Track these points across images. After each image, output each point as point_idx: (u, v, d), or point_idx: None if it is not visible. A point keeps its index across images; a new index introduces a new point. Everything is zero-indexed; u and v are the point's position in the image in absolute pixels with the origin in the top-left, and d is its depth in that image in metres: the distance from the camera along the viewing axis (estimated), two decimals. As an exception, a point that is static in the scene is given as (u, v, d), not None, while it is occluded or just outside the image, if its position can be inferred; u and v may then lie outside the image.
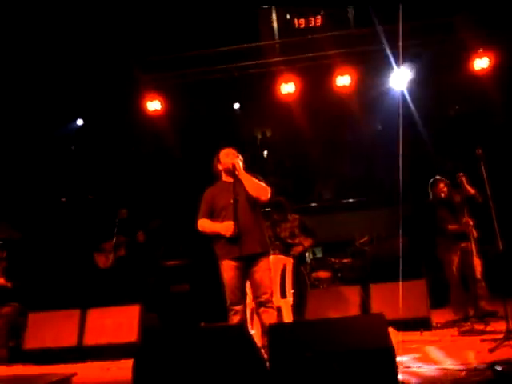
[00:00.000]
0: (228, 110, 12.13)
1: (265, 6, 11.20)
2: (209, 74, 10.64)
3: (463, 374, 4.27)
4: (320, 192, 12.97)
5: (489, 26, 9.65)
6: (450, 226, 7.70)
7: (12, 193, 10.62)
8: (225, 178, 5.80)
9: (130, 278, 9.46)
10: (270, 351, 4.20)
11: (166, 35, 10.49)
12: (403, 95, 12.22)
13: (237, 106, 11.78)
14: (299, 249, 8.26)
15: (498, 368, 4.04)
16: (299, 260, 8.31)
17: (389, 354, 4.05)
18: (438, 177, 8.00)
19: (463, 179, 7.53)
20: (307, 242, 8.35)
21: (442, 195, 7.81)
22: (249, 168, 5.85)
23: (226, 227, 5.46)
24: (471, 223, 7.50)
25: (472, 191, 7.44)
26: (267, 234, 5.89)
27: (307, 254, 8.99)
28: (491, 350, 5.16)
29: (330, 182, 12.96)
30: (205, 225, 5.66)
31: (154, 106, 10.75)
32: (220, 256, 5.61)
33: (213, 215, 5.67)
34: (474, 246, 7.50)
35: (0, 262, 8.17)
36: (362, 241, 9.43)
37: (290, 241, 8.25)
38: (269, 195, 5.65)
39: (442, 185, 7.84)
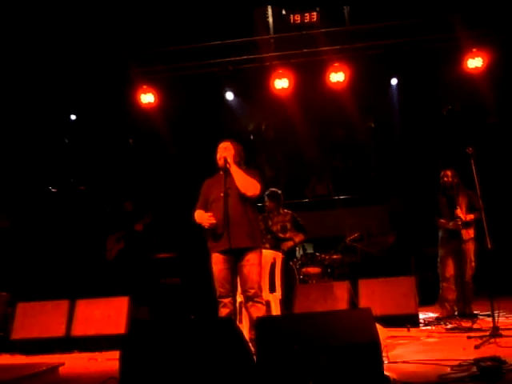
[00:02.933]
0: (221, 104, 12.09)
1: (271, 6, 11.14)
2: (203, 68, 10.63)
3: (449, 369, 4.29)
4: (312, 188, 12.94)
5: (483, 25, 9.68)
6: (440, 221, 7.73)
7: (2, 182, 10.60)
8: (221, 170, 5.83)
9: (122, 271, 9.45)
10: (257, 343, 4.22)
11: (160, 28, 10.45)
12: (396, 94, 12.27)
13: (230, 96, 11.68)
14: (289, 244, 8.31)
15: (483, 364, 4.06)
16: (289, 255, 8.34)
17: (375, 349, 4.07)
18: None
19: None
20: (298, 238, 8.40)
21: (445, 179, 7.75)
22: (246, 162, 5.89)
23: (204, 218, 5.52)
24: (459, 223, 7.51)
25: (471, 216, 7.50)
26: (259, 229, 5.90)
27: (297, 250, 9.02)
28: (477, 347, 5.20)
29: (323, 178, 12.94)
30: (197, 217, 5.70)
31: (147, 98, 10.72)
32: (210, 249, 5.65)
33: (207, 207, 5.71)
34: (466, 247, 7.53)
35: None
36: (352, 237, 9.43)
37: (281, 235, 8.29)
38: (258, 192, 5.67)
39: (448, 172, 7.77)
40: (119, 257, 9.63)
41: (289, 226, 8.39)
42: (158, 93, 10.71)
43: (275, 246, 7.99)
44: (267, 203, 8.33)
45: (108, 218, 10.15)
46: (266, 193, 8.30)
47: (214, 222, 5.46)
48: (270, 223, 8.37)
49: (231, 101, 11.86)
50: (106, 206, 10.73)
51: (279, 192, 8.52)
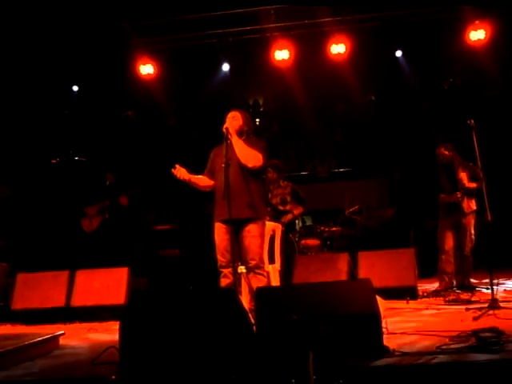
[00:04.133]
0: (221, 76, 12.02)
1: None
2: (203, 39, 10.55)
3: (447, 340, 4.31)
4: (313, 167, 12.88)
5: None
6: (441, 196, 7.72)
7: (3, 150, 10.60)
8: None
9: (120, 242, 9.45)
10: (257, 313, 4.23)
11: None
12: (397, 67, 12.19)
13: (226, 67, 11.63)
14: (289, 216, 8.33)
15: (482, 335, 4.08)
16: (288, 227, 8.36)
17: (374, 320, 4.09)
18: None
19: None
20: (297, 210, 8.41)
21: (441, 157, 7.72)
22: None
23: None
24: (459, 195, 7.48)
25: (473, 185, 7.43)
26: (262, 200, 5.88)
27: (297, 222, 9.02)
28: (476, 318, 5.23)
29: (325, 159, 12.87)
30: None
31: (146, 69, 10.67)
32: (213, 219, 5.66)
33: (213, 175, 5.73)
34: (466, 220, 7.52)
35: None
36: (351, 210, 9.44)
37: (280, 207, 8.31)
38: (259, 163, 5.62)
39: (442, 148, 7.73)
40: (108, 227, 9.55)
41: (288, 198, 8.39)
42: (157, 64, 10.66)
43: (275, 219, 7.99)
44: (270, 174, 8.31)
45: (89, 189, 10.07)
46: (268, 164, 8.27)
47: (186, 178, 5.56)
48: (270, 196, 8.37)
49: (231, 72, 11.79)
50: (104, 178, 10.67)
51: (279, 163, 8.52)
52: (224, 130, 5.59)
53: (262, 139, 5.93)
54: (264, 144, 5.81)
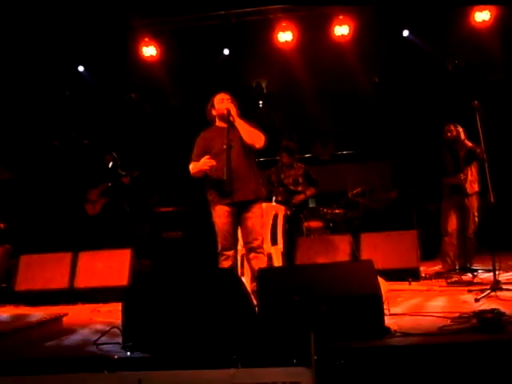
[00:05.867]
0: (224, 57, 11.96)
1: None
2: (206, 20, 10.46)
3: (449, 321, 4.32)
4: (316, 144, 12.86)
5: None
6: (444, 179, 7.68)
7: (5, 133, 10.59)
8: (218, 123, 5.76)
9: (123, 225, 9.46)
10: (259, 294, 4.24)
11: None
12: (401, 48, 12.08)
13: (226, 52, 11.57)
14: (300, 197, 8.41)
15: (483, 316, 4.08)
16: (300, 208, 8.43)
17: (376, 301, 4.10)
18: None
19: (460, 130, 7.48)
20: (309, 191, 8.53)
21: (448, 134, 7.63)
22: (245, 116, 5.83)
23: (202, 162, 5.44)
24: (463, 177, 7.44)
25: (469, 144, 7.37)
26: (261, 181, 5.90)
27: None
28: (477, 300, 5.23)
29: (327, 144, 12.82)
30: (193, 167, 5.63)
31: (149, 51, 10.61)
32: (213, 202, 5.62)
33: None
34: (469, 202, 7.49)
35: (-9, 204, 8.16)
36: (354, 192, 9.44)
37: (292, 188, 8.39)
38: (263, 143, 5.64)
39: (451, 127, 7.61)
40: (109, 210, 9.53)
41: (301, 179, 8.49)
42: (159, 46, 10.59)
43: (287, 199, 8.08)
44: (284, 158, 8.40)
45: (91, 172, 10.03)
46: (283, 147, 8.39)
47: (214, 163, 5.38)
48: (283, 176, 8.46)
49: (233, 54, 11.71)
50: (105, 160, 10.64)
51: (293, 145, 8.60)
52: (225, 112, 5.56)
53: (252, 120, 5.88)
54: (256, 124, 5.80)
